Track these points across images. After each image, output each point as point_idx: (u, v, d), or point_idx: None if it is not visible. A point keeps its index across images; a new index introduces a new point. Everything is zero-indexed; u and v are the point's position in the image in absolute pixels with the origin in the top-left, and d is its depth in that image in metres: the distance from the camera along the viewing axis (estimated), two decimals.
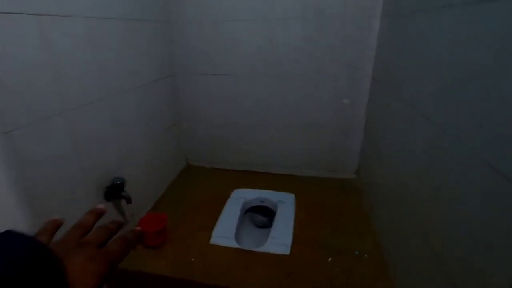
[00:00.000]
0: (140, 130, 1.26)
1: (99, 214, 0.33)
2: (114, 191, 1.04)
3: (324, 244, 1.16)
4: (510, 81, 0.48)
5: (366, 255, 1.09)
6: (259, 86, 1.51)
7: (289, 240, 1.18)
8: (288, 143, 1.61)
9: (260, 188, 1.55)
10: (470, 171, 0.57)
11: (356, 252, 1.11)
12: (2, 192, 0.66)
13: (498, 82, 0.51)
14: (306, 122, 1.54)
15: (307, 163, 1.64)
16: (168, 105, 1.53)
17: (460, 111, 0.62)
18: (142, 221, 1.15)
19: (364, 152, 1.50)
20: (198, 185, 1.59)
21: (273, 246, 1.16)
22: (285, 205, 1.41)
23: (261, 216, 1.54)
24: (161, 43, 1.41)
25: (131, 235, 0.31)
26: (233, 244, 1.18)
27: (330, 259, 1.08)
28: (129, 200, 1.05)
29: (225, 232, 1.24)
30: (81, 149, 0.90)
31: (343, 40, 1.34)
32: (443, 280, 0.65)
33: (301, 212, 1.35)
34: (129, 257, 1.05)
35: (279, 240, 1.19)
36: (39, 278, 0.19)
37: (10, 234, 0.20)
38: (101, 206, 0.33)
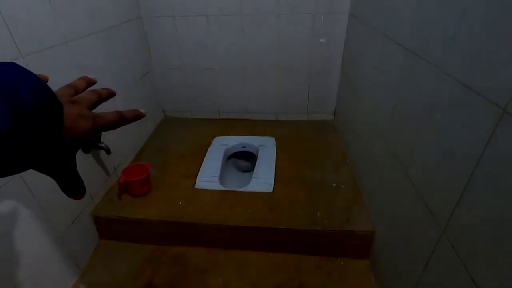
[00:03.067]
0: (109, 78, 1.18)
1: (90, 82, 0.33)
2: (90, 142, 1.01)
3: (305, 180, 1.23)
4: None
5: (343, 186, 1.18)
6: (233, 28, 1.43)
7: (271, 179, 1.24)
8: (265, 87, 1.59)
9: (241, 134, 1.56)
10: (440, 87, 0.60)
11: (334, 184, 1.19)
12: None
13: None
14: (283, 65, 1.51)
15: (286, 107, 1.65)
16: (137, 51, 1.42)
17: (432, 32, 0.63)
18: (125, 172, 1.15)
19: (341, 93, 1.53)
20: (178, 136, 1.58)
21: (257, 185, 1.21)
22: (266, 149, 1.45)
23: (243, 161, 1.58)
24: None
25: (130, 113, 0.30)
26: (218, 187, 1.22)
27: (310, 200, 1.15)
28: (108, 151, 1.03)
29: (209, 176, 1.27)
30: None
31: None
32: (410, 192, 0.72)
33: (282, 154, 1.40)
34: (118, 206, 1.06)
35: (262, 179, 1.24)
36: (45, 114, 0.20)
37: (15, 65, 0.20)
38: (92, 76, 0.33)
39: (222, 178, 1.31)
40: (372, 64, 1.03)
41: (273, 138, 1.52)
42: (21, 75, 0.20)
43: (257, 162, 1.36)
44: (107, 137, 1.07)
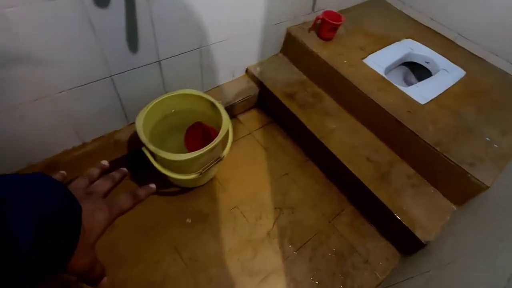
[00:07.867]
0: None
1: (104, 168, 0.35)
2: None
3: (460, 119, 1.15)
4: None
5: (495, 145, 1.07)
6: None
7: (430, 96, 1.22)
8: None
9: (435, 50, 1.46)
10: None
11: (488, 139, 1.09)
12: None
13: None
14: None
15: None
16: None
17: None
18: (326, 13, 1.34)
19: None
20: (376, 18, 1.59)
21: (412, 92, 1.23)
22: (448, 74, 1.34)
23: (415, 78, 1.54)
24: None
25: (142, 192, 0.32)
26: (380, 71, 1.30)
27: None
28: None
29: (379, 61, 1.35)
30: None
31: None
32: None
33: (458, 88, 1.29)
34: (306, 35, 1.34)
35: (420, 90, 1.24)
36: (66, 221, 0.21)
37: (44, 177, 0.22)
38: (105, 161, 0.36)
39: (388, 71, 1.37)
40: None
41: (464, 72, 1.37)
42: (47, 185, 0.21)
43: (427, 78, 1.32)
44: None
